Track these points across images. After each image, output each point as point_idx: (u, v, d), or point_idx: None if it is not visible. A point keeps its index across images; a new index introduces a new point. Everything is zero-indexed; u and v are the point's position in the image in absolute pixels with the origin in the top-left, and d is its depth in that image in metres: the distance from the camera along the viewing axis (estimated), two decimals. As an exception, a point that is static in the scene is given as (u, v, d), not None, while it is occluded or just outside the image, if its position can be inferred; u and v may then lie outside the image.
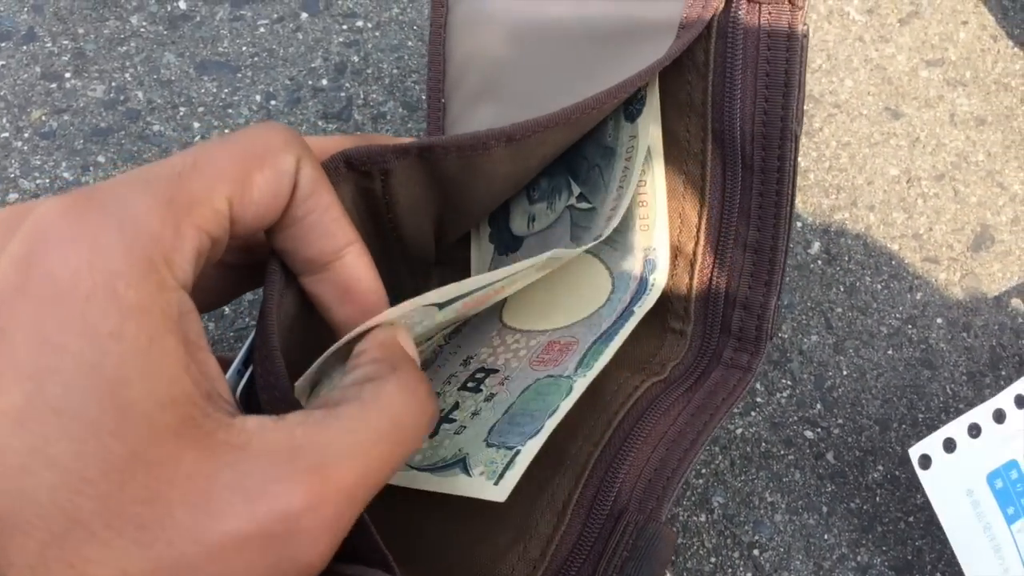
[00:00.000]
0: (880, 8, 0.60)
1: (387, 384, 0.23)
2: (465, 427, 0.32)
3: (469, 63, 0.41)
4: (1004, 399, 0.38)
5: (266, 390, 0.24)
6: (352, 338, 0.26)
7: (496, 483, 0.27)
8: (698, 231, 0.37)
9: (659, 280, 0.37)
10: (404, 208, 0.32)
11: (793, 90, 0.32)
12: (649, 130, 0.35)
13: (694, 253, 0.37)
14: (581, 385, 0.31)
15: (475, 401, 0.33)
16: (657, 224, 0.37)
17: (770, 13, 0.32)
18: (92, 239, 0.20)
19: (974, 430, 0.38)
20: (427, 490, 0.29)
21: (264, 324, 0.25)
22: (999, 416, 0.38)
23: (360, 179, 0.30)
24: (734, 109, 0.33)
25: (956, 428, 0.38)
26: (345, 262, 0.26)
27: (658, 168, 0.36)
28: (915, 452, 0.39)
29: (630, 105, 0.35)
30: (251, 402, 0.28)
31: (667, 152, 0.36)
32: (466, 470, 0.29)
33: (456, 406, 0.34)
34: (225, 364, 0.25)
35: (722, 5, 0.33)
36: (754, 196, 0.35)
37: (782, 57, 0.32)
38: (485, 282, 0.28)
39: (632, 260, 0.38)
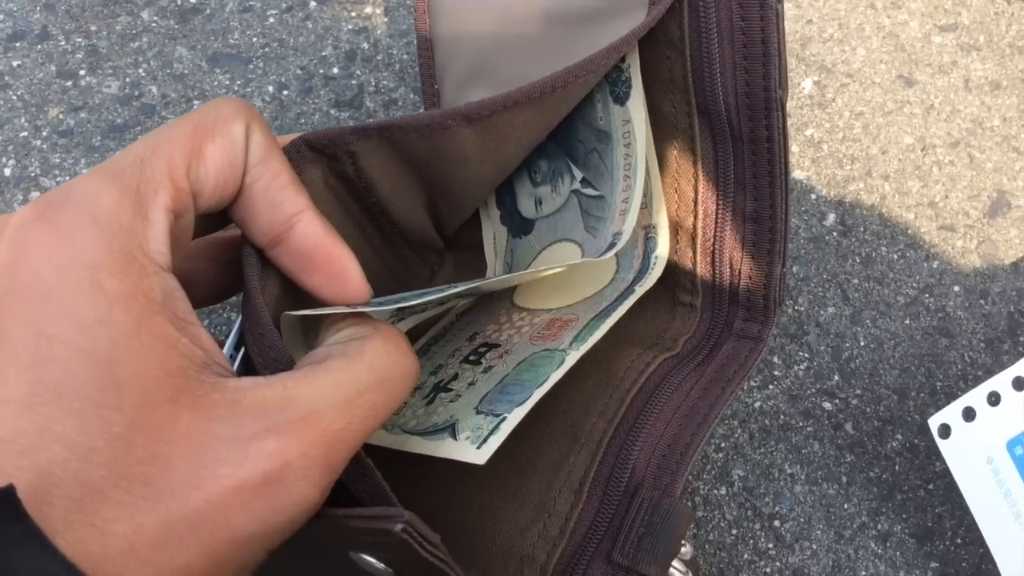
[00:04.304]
0: (891, -26, 0.59)
1: (370, 340, 0.25)
2: (460, 396, 0.33)
3: (455, 47, 0.41)
4: (1023, 367, 0.38)
5: (268, 366, 0.25)
6: (341, 315, 0.27)
7: (479, 447, 0.28)
8: (695, 205, 0.37)
9: (660, 258, 0.37)
10: (386, 191, 0.33)
11: (772, 59, 0.31)
12: (643, 113, 0.35)
13: (694, 227, 0.37)
14: (573, 358, 0.31)
15: (473, 372, 0.34)
16: (654, 201, 0.37)
17: None
18: (70, 238, 0.22)
19: (993, 398, 0.38)
20: (420, 454, 0.30)
21: (252, 304, 0.26)
22: (1019, 384, 0.38)
23: (329, 162, 0.30)
24: (715, 82, 0.33)
25: (975, 397, 0.38)
26: (296, 231, 0.26)
27: (650, 145, 0.36)
28: (934, 422, 0.39)
29: (616, 87, 0.35)
30: None
31: (656, 128, 0.36)
32: (454, 435, 0.30)
33: (455, 377, 0.34)
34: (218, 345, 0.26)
35: None
36: (747, 167, 0.34)
37: (757, 27, 0.31)
38: (444, 293, 0.29)
39: (634, 240, 0.38)
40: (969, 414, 0.38)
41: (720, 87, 0.33)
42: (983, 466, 0.38)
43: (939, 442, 0.39)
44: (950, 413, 0.39)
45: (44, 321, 0.21)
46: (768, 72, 0.31)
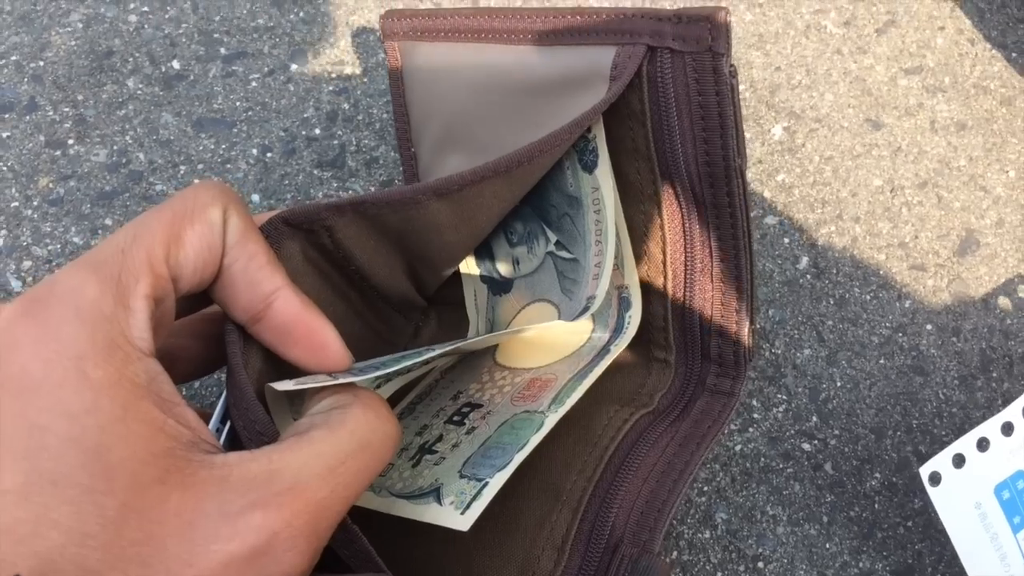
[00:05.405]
0: (857, 19, 0.61)
1: (352, 409, 0.26)
2: (445, 458, 0.33)
3: (429, 113, 0.42)
4: (1013, 411, 0.39)
5: (254, 440, 0.26)
6: (322, 387, 0.28)
7: (463, 513, 0.29)
8: (665, 266, 0.38)
9: (634, 317, 0.38)
10: (364, 261, 0.34)
11: (729, 130, 0.32)
12: (610, 181, 0.36)
13: (664, 287, 0.38)
14: (552, 420, 0.32)
15: (457, 434, 0.35)
16: (626, 263, 0.38)
17: (694, 60, 0.32)
18: (56, 331, 0.23)
19: (983, 444, 0.39)
20: (406, 517, 0.31)
21: (236, 380, 0.27)
22: (1007, 429, 0.39)
23: (307, 236, 0.32)
24: (676, 152, 0.34)
25: (965, 443, 0.39)
26: (275, 308, 0.28)
27: (619, 211, 0.37)
28: (925, 470, 0.39)
29: (584, 156, 0.37)
30: None
31: (623, 194, 0.37)
32: (438, 499, 0.31)
33: (440, 438, 0.35)
34: (204, 418, 0.27)
35: (646, 55, 0.33)
36: (711, 230, 0.36)
37: (713, 100, 0.32)
38: (421, 358, 0.31)
39: (608, 300, 0.39)
40: (959, 461, 0.39)
41: (681, 156, 0.34)
42: (971, 511, 0.38)
43: (929, 490, 0.39)
44: (941, 460, 0.39)
45: (35, 413, 0.22)
46: (726, 143, 0.33)
